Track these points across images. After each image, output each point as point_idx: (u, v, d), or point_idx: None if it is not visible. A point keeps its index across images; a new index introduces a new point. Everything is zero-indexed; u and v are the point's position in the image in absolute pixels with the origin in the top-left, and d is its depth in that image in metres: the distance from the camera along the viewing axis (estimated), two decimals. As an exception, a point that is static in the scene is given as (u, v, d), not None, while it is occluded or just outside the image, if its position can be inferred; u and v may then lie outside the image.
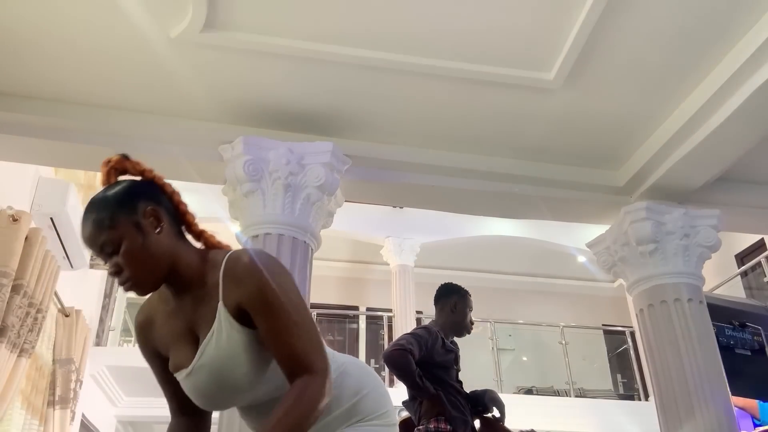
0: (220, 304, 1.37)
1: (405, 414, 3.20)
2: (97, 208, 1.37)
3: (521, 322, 10.46)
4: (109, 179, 1.43)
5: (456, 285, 3.35)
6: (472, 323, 3.28)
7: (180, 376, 1.42)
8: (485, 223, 9.63)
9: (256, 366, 1.37)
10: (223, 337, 1.36)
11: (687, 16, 2.85)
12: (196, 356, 1.39)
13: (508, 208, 4.28)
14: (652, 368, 3.73)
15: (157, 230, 1.38)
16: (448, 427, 2.92)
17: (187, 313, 1.43)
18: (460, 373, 3.20)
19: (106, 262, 1.38)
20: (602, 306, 11.10)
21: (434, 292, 3.36)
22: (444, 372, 3.05)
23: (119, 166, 1.44)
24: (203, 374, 1.39)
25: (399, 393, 3.14)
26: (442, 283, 3.41)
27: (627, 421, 8.55)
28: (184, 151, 3.57)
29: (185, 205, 1.48)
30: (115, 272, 1.36)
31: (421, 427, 2.99)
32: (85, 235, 1.37)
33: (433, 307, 3.33)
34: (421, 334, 3.06)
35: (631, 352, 9.96)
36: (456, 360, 3.15)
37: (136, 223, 1.36)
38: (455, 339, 3.26)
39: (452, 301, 3.24)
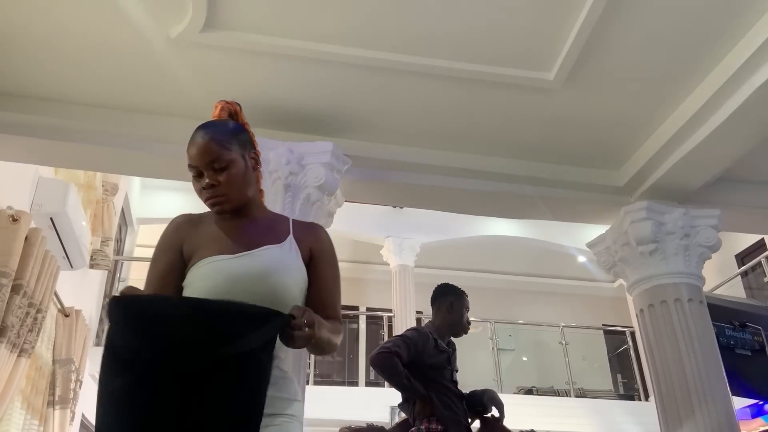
0: (291, 236, 1.64)
1: (403, 415, 3.20)
2: (218, 129, 1.63)
3: (521, 322, 10.47)
4: (221, 115, 1.72)
5: (452, 285, 3.35)
6: (469, 323, 3.28)
7: (216, 258, 1.54)
8: (485, 223, 9.64)
9: (293, 290, 1.56)
10: (288, 251, 1.61)
11: (687, 16, 2.85)
12: (257, 248, 1.57)
13: (508, 208, 4.28)
14: (652, 368, 3.73)
15: (254, 170, 1.69)
16: (439, 427, 2.92)
17: (248, 232, 1.62)
18: (457, 373, 3.19)
19: (201, 176, 1.60)
20: (602, 306, 11.11)
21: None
22: (437, 373, 3.05)
23: (232, 109, 1.74)
24: (255, 261, 1.54)
25: (397, 394, 3.14)
26: (439, 283, 3.41)
27: (627, 421, 8.56)
28: (184, 151, 3.56)
29: (260, 166, 1.78)
30: (211, 186, 1.59)
31: (414, 429, 3.00)
32: (199, 146, 1.59)
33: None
34: (410, 336, 3.06)
35: (631, 352, 9.96)
36: (449, 360, 3.14)
37: (243, 156, 1.64)
38: (453, 339, 3.26)
39: (448, 301, 3.24)
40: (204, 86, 3.32)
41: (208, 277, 1.52)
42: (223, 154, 1.59)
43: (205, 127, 1.64)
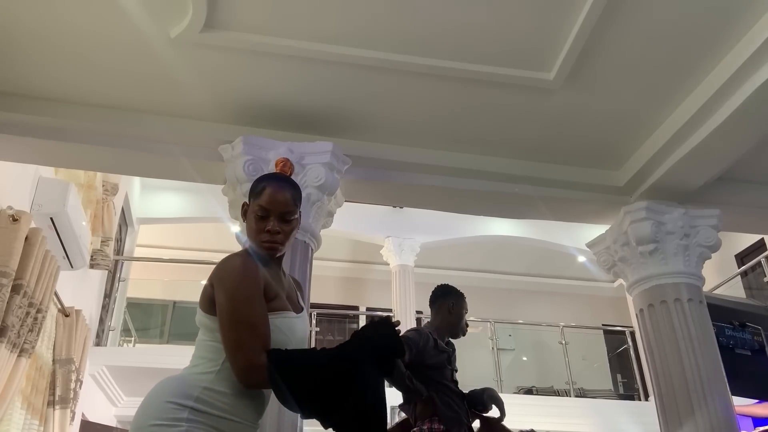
0: (306, 308, 1.98)
1: (403, 415, 3.20)
2: (295, 187, 1.87)
3: (521, 322, 10.45)
4: (287, 171, 1.91)
5: (452, 286, 3.35)
6: (467, 325, 3.28)
7: (290, 315, 1.78)
8: (485, 223, 9.64)
9: None
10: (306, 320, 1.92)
11: (687, 16, 2.85)
12: (302, 311, 1.87)
13: (508, 208, 4.28)
14: (652, 368, 3.73)
15: None
16: (441, 427, 2.92)
17: (287, 286, 1.88)
18: (457, 373, 3.19)
19: (265, 219, 1.77)
20: (602, 306, 11.11)
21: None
22: (437, 373, 3.04)
23: (291, 171, 1.93)
24: (305, 325, 1.86)
25: (396, 394, 3.14)
26: (438, 284, 3.40)
27: (627, 421, 8.56)
28: (184, 151, 3.57)
29: None
30: (276, 232, 1.78)
31: (416, 429, 2.99)
32: (280, 196, 1.79)
33: (433, 308, 3.32)
34: (411, 337, 3.05)
35: (631, 352, 9.95)
36: (449, 360, 3.14)
37: (299, 216, 1.87)
38: (451, 339, 3.26)
39: (449, 302, 3.24)
40: (204, 86, 3.32)
41: (292, 330, 1.76)
42: (294, 210, 1.81)
43: (284, 180, 1.85)
